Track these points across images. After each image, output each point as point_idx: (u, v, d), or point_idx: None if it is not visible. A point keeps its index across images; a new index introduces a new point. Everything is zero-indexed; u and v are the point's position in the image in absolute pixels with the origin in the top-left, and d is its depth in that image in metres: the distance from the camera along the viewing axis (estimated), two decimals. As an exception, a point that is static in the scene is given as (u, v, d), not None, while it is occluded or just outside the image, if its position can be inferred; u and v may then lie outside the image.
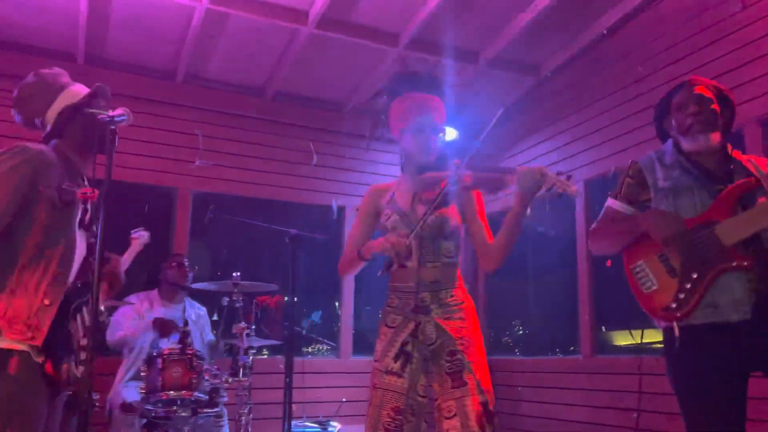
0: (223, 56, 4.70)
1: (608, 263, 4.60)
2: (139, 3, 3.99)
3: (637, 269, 2.22)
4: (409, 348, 2.13)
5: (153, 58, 4.70)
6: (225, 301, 3.90)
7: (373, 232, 2.31)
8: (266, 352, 4.94)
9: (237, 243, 5.40)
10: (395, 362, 2.13)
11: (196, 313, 4.18)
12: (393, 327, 2.18)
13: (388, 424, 2.06)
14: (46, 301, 1.81)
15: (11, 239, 1.83)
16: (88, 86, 2.20)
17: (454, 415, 2.01)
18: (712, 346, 2.03)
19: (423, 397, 2.13)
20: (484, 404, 2.03)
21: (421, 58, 4.63)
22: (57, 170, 1.96)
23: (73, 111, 2.10)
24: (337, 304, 5.68)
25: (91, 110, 2.00)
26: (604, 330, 4.86)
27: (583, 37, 4.47)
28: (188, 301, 4.17)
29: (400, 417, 2.06)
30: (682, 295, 2.06)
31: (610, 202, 2.37)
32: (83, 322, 1.97)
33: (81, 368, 1.89)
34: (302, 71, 4.88)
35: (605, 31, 4.34)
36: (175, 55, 4.64)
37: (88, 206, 2.04)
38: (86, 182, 2.10)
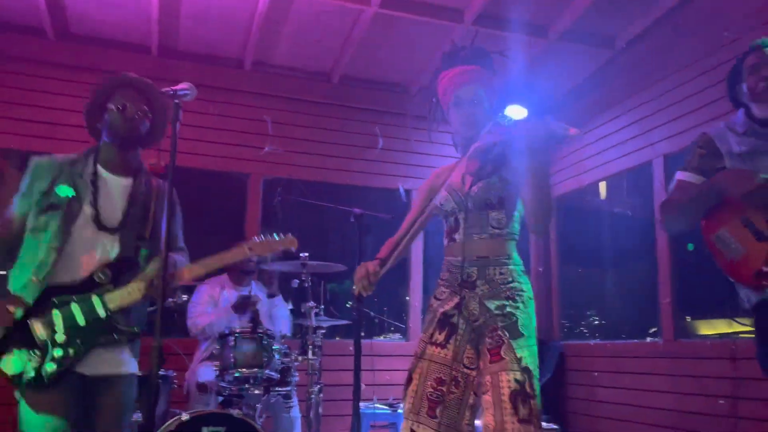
0: (289, 42, 4.74)
1: (689, 247, 4.38)
2: (207, -8, 4.08)
3: (720, 237, 2.10)
4: (455, 320, 2.09)
5: (222, 48, 4.81)
6: (295, 283, 3.96)
7: (425, 212, 2.24)
8: (338, 337, 5.01)
9: (305, 225, 5.45)
10: (439, 333, 2.10)
11: (279, 311, 4.22)
12: (440, 299, 2.16)
13: (430, 394, 2.02)
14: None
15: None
16: (162, 76, 2.29)
17: (488, 390, 1.95)
18: None
19: (470, 369, 2.06)
20: (521, 382, 1.92)
21: (487, 34, 4.52)
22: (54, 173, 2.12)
23: (96, 108, 2.21)
24: (400, 285, 5.67)
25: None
26: (689, 319, 4.63)
27: (662, 5, 4.22)
28: (255, 285, 4.25)
29: (442, 388, 2.03)
30: None
31: (680, 174, 2.28)
32: (65, 317, 2.01)
33: (52, 366, 1.95)
34: (367, 53, 4.86)
35: (685, -4, 4.07)
36: (242, 44, 4.73)
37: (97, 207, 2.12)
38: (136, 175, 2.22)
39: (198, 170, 4.81)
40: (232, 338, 3.22)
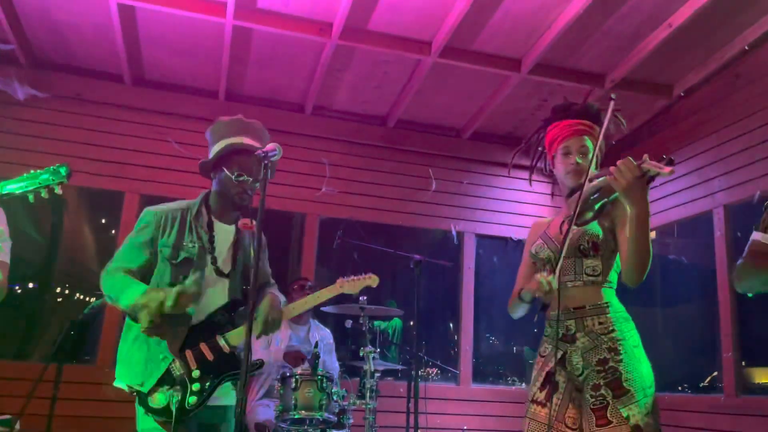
0: (348, 88, 4.91)
1: (750, 296, 4.27)
2: (274, 41, 4.28)
3: None
4: (556, 378, 2.07)
5: (285, 92, 5.01)
6: (349, 323, 4.02)
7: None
8: (390, 378, 5.03)
9: (360, 267, 5.55)
10: (540, 391, 2.10)
11: (320, 335, 4.31)
12: (543, 356, 2.17)
13: None
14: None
15: None
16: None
17: None
18: None
19: (572, 429, 2.03)
20: None
21: (543, 82, 4.59)
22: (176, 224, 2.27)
23: (212, 165, 2.38)
24: (452, 328, 5.67)
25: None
26: (743, 364, 4.49)
27: (722, 54, 4.22)
28: (313, 323, 4.33)
29: None
30: None
31: (755, 235, 2.21)
32: (196, 356, 2.18)
33: (192, 398, 2.12)
34: (423, 99, 4.98)
35: (747, 47, 4.07)
36: (305, 89, 4.92)
37: (215, 254, 2.28)
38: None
39: (254, 209, 4.96)
40: (293, 380, 3.28)
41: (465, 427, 4.79)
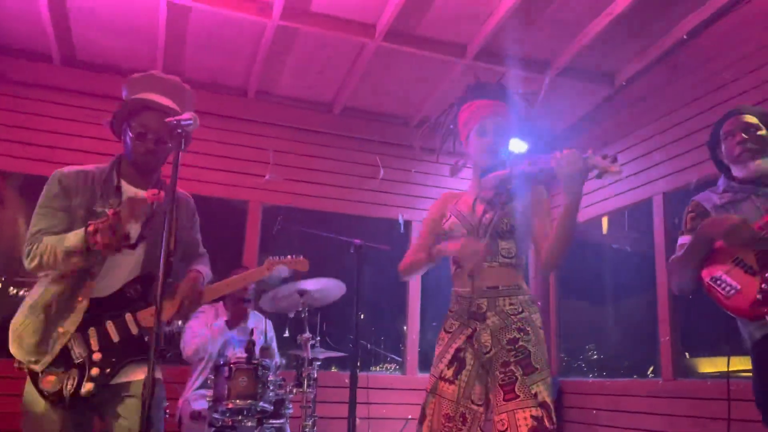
0: (292, 72, 4.79)
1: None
2: (213, 22, 4.13)
3: (716, 281, 2.27)
4: (463, 354, 2.10)
5: (226, 76, 4.85)
6: (291, 313, 3.93)
7: (432, 236, 2.29)
8: (335, 368, 4.95)
9: (303, 255, 5.45)
10: (448, 369, 2.10)
11: (259, 323, 4.18)
12: (450, 332, 2.16)
13: (440, 431, 2.04)
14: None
15: None
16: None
17: (506, 429, 1.95)
18: None
19: (478, 405, 2.06)
20: (538, 418, 1.94)
21: (489, 69, 4.57)
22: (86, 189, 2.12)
23: (118, 124, 2.22)
24: (397, 317, 5.63)
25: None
26: (687, 356, 4.59)
27: (662, 43, 4.27)
28: (253, 313, 4.21)
29: (450, 425, 2.04)
30: (765, 285, 2.12)
31: (681, 239, 2.46)
32: (100, 335, 2.04)
33: (89, 384, 1.98)
34: (369, 85, 4.90)
35: (685, 36, 4.13)
36: (246, 73, 4.78)
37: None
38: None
39: (198, 196, 4.80)
40: (227, 369, 3.17)
41: (410, 417, 4.76)
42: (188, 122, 1.87)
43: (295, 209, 5.14)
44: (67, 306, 2.03)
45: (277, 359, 4.06)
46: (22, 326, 2.02)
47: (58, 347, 1.99)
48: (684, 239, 2.42)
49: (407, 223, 5.41)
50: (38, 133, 4.53)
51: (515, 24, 4.09)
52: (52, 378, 1.95)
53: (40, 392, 1.97)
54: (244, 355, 3.25)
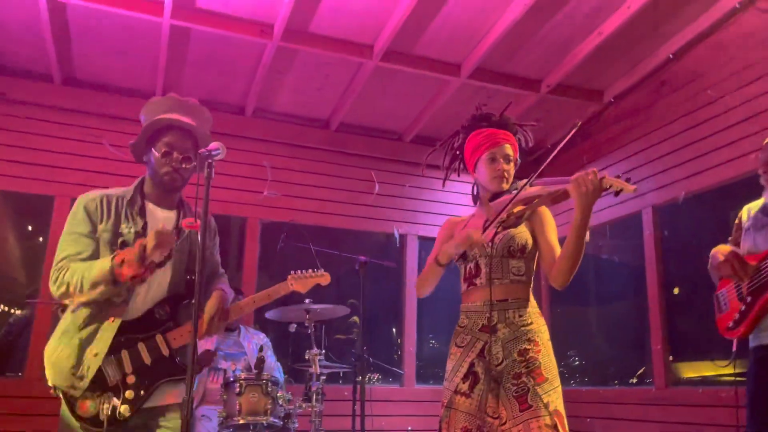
0: (290, 90, 4.88)
1: (675, 291, 4.52)
2: (214, 42, 4.21)
3: (719, 296, 2.54)
4: (476, 368, 2.16)
5: (225, 94, 4.92)
6: (293, 327, 3.98)
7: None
8: (336, 379, 5.01)
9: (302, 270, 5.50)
10: (464, 382, 2.16)
11: (255, 338, 4.22)
12: (462, 347, 2.23)
13: None
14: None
15: None
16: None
17: None
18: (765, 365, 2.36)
19: (494, 418, 2.12)
20: (553, 426, 2.02)
21: (482, 87, 4.70)
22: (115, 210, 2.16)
23: (141, 146, 2.26)
24: (394, 330, 5.70)
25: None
26: (670, 359, 4.73)
27: (649, 62, 4.44)
28: (243, 329, 4.24)
29: None
30: (737, 316, 2.34)
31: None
32: (132, 358, 2.07)
33: (124, 407, 2.01)
34: (366, 102, 5.01)
35: (671, 56, 4.30)
36: (245, 91, 4.85)
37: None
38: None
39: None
40: (237, 385, 3.22)
41: (410, 428, 4.83)
42: (218, 152, 1.94)
43: (294, 224, 5.21)
44: (98, 329, 2.07)
45: (276, 364, 4.10)
46: (56, 352, 2.05)
47: (92, 371, 2.02)
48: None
49: (402, 237, 5.50)
50: (38, 153, 4.55)
51: (508, 44, 4.23)
52: (88, 403, 1.99)
53: (78, 417, 1.99)
54: (254, 370, 3.31)
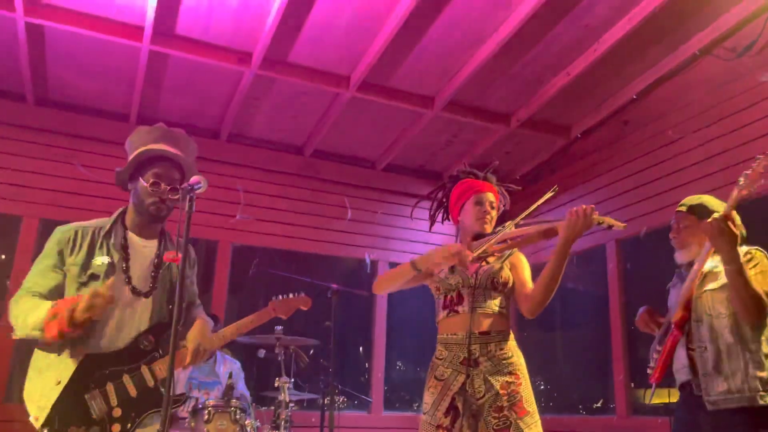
0: (266, 117, 4.93)
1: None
2: (192, 68, 4.25)
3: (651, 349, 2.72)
4: (457, 403, 2.19)
5: (200, 119, 4.95)
6: (261, 353, 3.99)
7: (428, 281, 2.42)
8: (302, 406, 4.99)
9: (274, 295, 5.51)
10: (446, 417, 2.18)
11: (229, 366, 4.22)
12: (442, 380, 2.25)
13: None
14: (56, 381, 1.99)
15: None
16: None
17: None
18: (681, 403, 2.55)
19: None
20: None
21: (454, 120, 4.83)
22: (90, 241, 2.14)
23: (127, 175, 2.25)
24: (361, 352, 5.72)
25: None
26: (632, 385, 4.86)
27: (614, 101, 4.62)
28: (219, 354, 4.23)
29: None
30: (652, 363, 2.55)
31: None
32: (118, 390, 2.05)
33: None
34: (340, 131, 5.09)
35: (635, 96, 4.49)
36: (221, 116, 4.89)
37: (129, 273, 2.15)
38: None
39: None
40: (206, 412, 3.22)
41: (376, 456, 4.84)
42: (199, 186, 1.98)
43: (265, 249, 5.23)
44: (68, 363, 2.03)
45: (245, 392, 4.08)
46: (39, 386, 2.01)
47: (78, 405, 1.98)
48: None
49: (374, 263, 5.56)
50: (7, 172, 4.49)
51: (480, 80, 4.37)
52: None
53: None
54: (223, 398, 3.30)
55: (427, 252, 2.25)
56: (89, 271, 2.11)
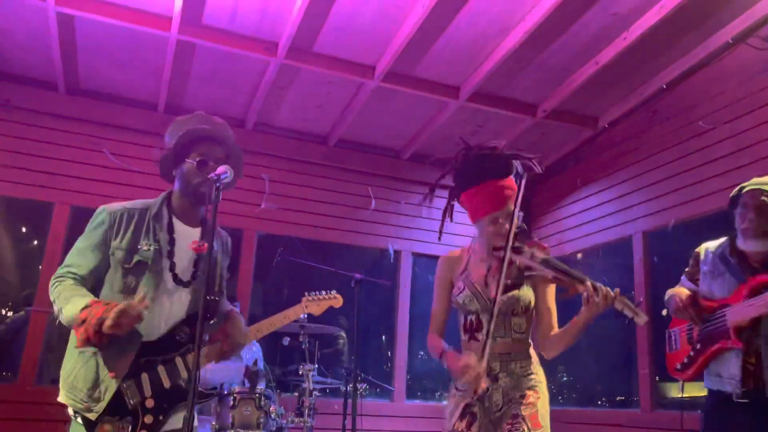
0: (291, 106, 4.95)
1: (664, 313, 4.60)
2: (218, 57, 4.28)
3: (671, 333, 2.74)
4: (474, 410, 2.22)
5: (226, 107, 4.99)
6: (286, 341, 4.03)
7: (451, 304, 2.37)
8: (327, 392, 5.06)
9: (298, 284, 5.57)
10: (461, 421, 2.22)
11: (249, 349, 4.27)
12: (462, 390, 2.27)
13: None
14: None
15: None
16: (165, 132, 2.22)
17: None
18: (716, 411, 2.46)
19: None
20: None
21: (480, 110, 4.80)
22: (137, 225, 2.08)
23: (172, 158, 2.16)
24: (384, 340, 5.75)
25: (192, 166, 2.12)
26: (657, 379, 4.81)
27: (643, 91, 4.55)
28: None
29: None
30: (686, 359, 2.50)
31: (682, 279, 2.81)
32: (152, 381, 2.01)
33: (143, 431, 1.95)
34: (365, 120, 5.09)
35: (665, 86, 4.41)
36: (246, 105, 4.93)
37: (174, 260, 2.08)
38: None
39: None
40: (231, 398, 3.27)
41: (398, 444, 4.87)
42: (226, 175, 1.98)
43: (295, 240, 5.27)
44: (115, 350, 1.98)
45: (263, 385, 4.14)
46: (73, 373, 1.98)
47: (110, 394, 1.95)
48: (682, 280, 2.76)
49: (397, 253, 5.57)
50: (39, 160, 4.59)
51: (507, 69, 4.33)
52: (107, 427, 1.91)
53: None
54: (248, 384, 3.36)
55: (450, 360, 2.22)
56: (136, 258, 2.05)
